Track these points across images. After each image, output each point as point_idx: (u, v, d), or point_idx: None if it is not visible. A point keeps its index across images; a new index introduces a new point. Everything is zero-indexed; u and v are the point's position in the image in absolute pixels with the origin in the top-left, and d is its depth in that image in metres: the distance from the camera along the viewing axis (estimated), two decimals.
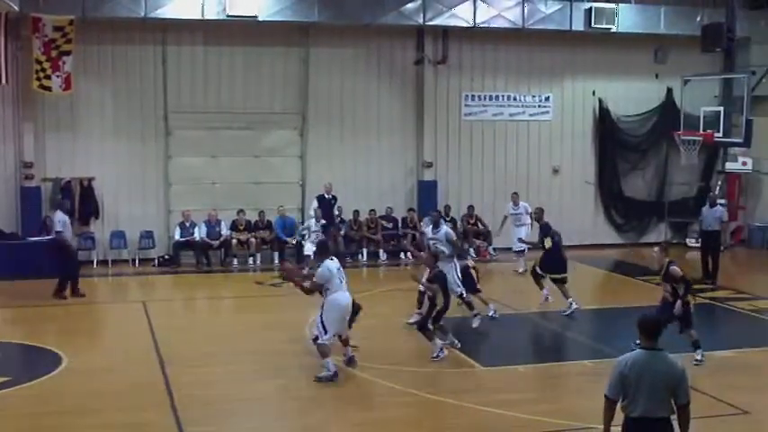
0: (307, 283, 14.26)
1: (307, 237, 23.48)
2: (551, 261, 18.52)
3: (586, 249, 26.32)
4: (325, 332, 13.52)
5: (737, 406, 12.55)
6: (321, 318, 13.63)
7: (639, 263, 24.86)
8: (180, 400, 12.72)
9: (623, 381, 8.00)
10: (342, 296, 13.76)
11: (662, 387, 7.94)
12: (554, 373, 14.98)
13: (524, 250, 22.94)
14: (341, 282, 13.74)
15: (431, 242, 17.40)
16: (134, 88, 24.49)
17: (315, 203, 24.25)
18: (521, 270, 22.92)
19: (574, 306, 18.17)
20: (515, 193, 24.24)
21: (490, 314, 17.65)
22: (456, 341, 15.49)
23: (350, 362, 14.26)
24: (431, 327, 14.89)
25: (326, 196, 24.48)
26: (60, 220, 20.06)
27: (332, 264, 13.82)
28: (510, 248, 24.20)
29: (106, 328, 18.84)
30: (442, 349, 14.86)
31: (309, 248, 22.15)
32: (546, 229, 18.74)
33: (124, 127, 24.45)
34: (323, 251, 14.53)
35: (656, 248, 15.81)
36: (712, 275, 22.31)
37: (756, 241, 28.04)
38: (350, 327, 14.54)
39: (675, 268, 14.66)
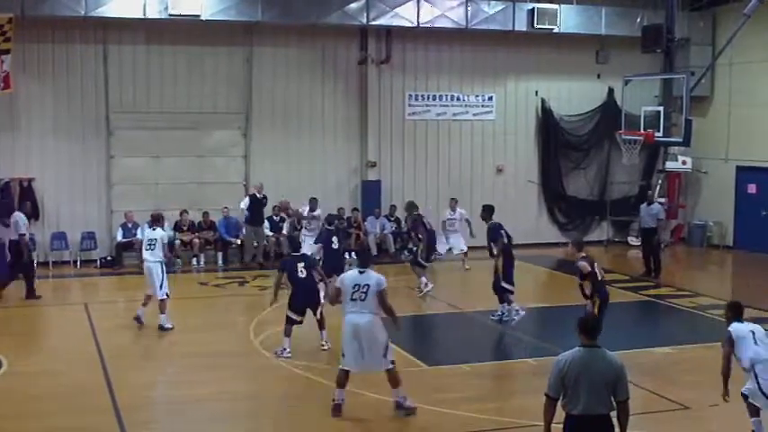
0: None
1: None
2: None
3: (530, 248, 26.48)
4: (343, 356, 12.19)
5: (678, 401, 12.74)
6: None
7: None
8: (123, 403, 12.61)
9: (563, 379, 8.11)
10: (348, 318, 12.09)
11: (601, 384, 8.05)
12: (499, 371, 15.10)
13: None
14: (351, 300, 11.96)
15: None
16: (75, 87, 24.21)
17: (246, 201, 24.24)
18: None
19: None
20: (454, 200, 24.41)
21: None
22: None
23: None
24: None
25: (258, 196, 24.35)
26: (24, 222, 20.11)
27: (347, 275, 12.32)
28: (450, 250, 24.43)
29: (48, 330, 18.61)
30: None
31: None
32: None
33: (65, 126, 24.16)
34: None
35: (569, 245, 15.85)
36: (655, 272, 22.83)
37: (696, 239, 28.43)
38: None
39: (584, 263, 14.39)
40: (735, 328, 10.70)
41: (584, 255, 14.82)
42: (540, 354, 15.23)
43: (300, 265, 15.25)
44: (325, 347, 15.34)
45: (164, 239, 17.24)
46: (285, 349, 15.03)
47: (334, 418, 11.99)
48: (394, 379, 12.05)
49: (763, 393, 10.35)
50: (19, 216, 20.16)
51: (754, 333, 10.64)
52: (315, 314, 15.38)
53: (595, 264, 14.65)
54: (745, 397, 10.67)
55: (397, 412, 12.09)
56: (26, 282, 20.07)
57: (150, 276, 17.00)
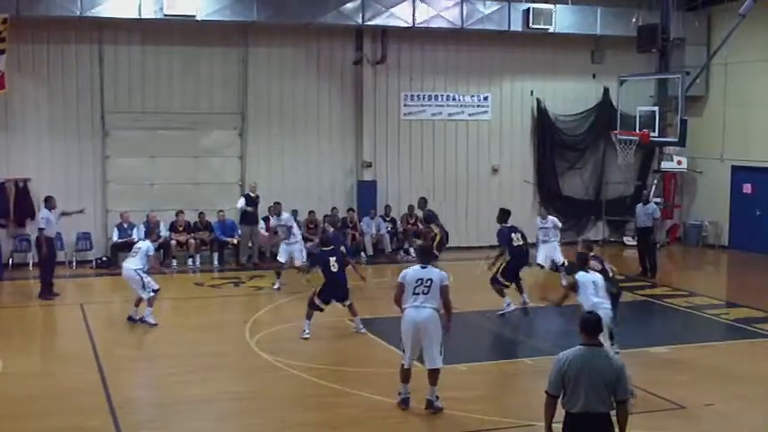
0: None
1: None
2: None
3: None
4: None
5: (674, 401, 12.73)
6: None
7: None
8: (118, 404, 12.59)
9: (563, 377, 8.13)
10: (407, 312, 12.23)
11: (601, 383, 8.06)
12: (495, 371, 15.06)
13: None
14: (413, 295, 12.06)
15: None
16: (70, 88, 24.17)
17: (242, 201, 24.37)
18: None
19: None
20: (543, 207, 23.53)
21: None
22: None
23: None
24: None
25: (251, 195, 24.35)
26: (44, 216, 20.14)
27: (409, 271, 12.28)
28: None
29: (43, 330, 18.56)
30: None
31: None
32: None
33: (60, 127, 24.13)
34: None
35: (579, 246, 16.11)
36: (651, 271, 22.86)
37: (692, 239, 28.46)
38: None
39: (594, 263, 14.74)
40: (580, 275, 12.83)
41: (593, 254, 15.05)
42: (538, 353, 15.25)
43: (332, 260, 16.32)
44: (363, 331, 16.56)
45: (149, 251, 17.54)
46: (305, 331, 16.11)
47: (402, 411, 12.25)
48: (435, 377, 12.21)
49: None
50: (41, 212, 20.39)
51: (595, 283, 12.69)
52: (343, 304, 16.61)
53: (605, 262, 15.10)
54: None
55: (427, 410, 12.20)
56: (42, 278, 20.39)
57: (130, 282, 17.56)
